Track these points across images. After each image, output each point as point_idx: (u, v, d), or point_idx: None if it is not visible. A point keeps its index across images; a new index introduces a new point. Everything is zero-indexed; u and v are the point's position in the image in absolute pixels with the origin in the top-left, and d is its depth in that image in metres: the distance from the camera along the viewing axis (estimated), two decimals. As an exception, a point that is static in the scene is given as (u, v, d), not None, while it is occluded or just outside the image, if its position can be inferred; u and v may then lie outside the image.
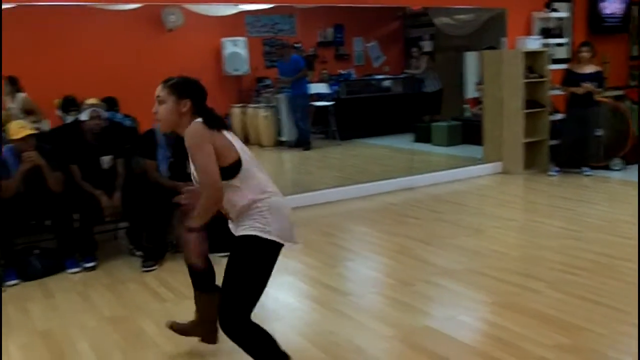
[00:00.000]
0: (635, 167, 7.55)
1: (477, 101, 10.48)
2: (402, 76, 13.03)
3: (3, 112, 6.85)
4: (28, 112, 7.50)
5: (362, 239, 5.81)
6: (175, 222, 5.32)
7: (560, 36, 9.08)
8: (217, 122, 2.89)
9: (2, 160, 4.99)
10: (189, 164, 5.37)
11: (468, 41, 11.88)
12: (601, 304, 3.90)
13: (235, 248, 2.86)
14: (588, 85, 7.50)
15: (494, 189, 7.62)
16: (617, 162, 8.08)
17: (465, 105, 11.26)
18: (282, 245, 2.92)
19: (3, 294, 4.64)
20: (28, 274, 4.87)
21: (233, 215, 2.89)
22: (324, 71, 13.06)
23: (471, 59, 11.44)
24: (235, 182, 2.80)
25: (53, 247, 5.09)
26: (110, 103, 6.20)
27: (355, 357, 3.41)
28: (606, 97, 8.16)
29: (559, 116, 8.24)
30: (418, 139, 10.78)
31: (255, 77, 12.65)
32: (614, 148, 8.08)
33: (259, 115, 11.29)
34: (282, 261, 5.05)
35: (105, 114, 5.35)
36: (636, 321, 3.55)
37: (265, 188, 2.89)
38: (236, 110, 11.85)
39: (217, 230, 2.97)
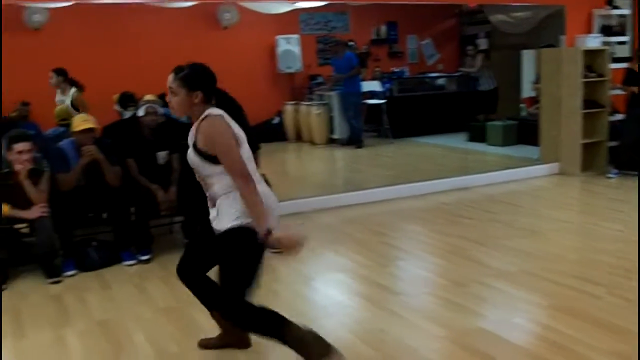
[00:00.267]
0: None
1: (533, 100, 10.31)
2: (456, 74, 12.91)
3: (60, 107, 7.01)
4: (76, 108, 7.69)
5: (414, 238, 5.77)
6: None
7: (621, 34, 8.85)
8: (231, 110, 3.05)
9: (62, 153, 5.13)
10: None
11: (525, 39, 11.68)
12: (661, 311, 3.80)
13: (223, 241, 2.97)
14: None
15: (550, 191, 7.48)
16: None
17: (521, 105, 11.09)
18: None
19: (60, 284, 4.78)
20: (86, 265, 4.99)
21: (214, 202, 3.02)
22: (377, 69, 13.03)
23: (528, 57, 11.25)
24: (217, 168, 2.93)
25: (110, 240, 5.21)
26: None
27: (406, 356, 3.39)
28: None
29: (618, 117, 8.04)
30: (472, 138, 10.66)
31: (308, 75, 12.70)
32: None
33: (312, 113, 11.33)
34: (333, 259, 5.12)
35: (162, 110, 5.43)
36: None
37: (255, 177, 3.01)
38: (289, 108, 11.91)
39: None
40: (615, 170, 7.75)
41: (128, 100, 6.54)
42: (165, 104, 5.97)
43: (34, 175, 4.88)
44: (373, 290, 4.41)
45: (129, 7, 11.03)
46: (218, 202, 2.99)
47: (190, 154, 3.00)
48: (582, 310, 3.84)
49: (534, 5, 9.00)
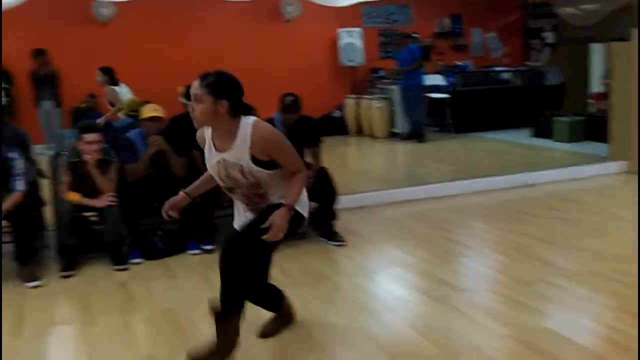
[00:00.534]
0: None
1: (602, 96, 10.04)
2: (522, 68, 12.67)
3: (129, 98, 7.15)
4: (111, 103, 7.87)
5: (477, 234, 5.69)
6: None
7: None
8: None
9: (130, 144, 5.25)
10: (304, 152, 5.46)
11: (593, 32, 11.40)
12: None
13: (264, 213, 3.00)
14: None
15: (619, 189, 7.27)
16: None
17: (589, 100, 10.82)
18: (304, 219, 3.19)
19: (127, 272, 4.90)
20: (151, 254, 5.10)
21: (256, 203, 3.12)
22: (440, 62, 12.90)
23: (597, 52, 10.97)
24: (276, 171, 3.02)
25: (175, 229, 5.30)
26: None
27: (468, 354, 3.35)
28: None
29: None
30: (537, 134, 10.44)
31: (369, 68, 12.67)
32: None
33: (373, 107, 11.29)
34: (395, 253, 5.12)
35: (226, 103, 5.48)
36: None
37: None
38: (350, 101, 11.91)
39: None
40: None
41: (193, 92, 6.64)
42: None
43: (103, 165, 5.00)
44: (435, 286, 4.38)
45: (194, 0, 11.22)
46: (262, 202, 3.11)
47: (245, 167, 2.97)
48: (652, 313, 3.73)
49: (604, -2, 8.75)
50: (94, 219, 5.27)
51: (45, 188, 5.50)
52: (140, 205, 5.13)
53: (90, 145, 4.90)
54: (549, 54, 12.07)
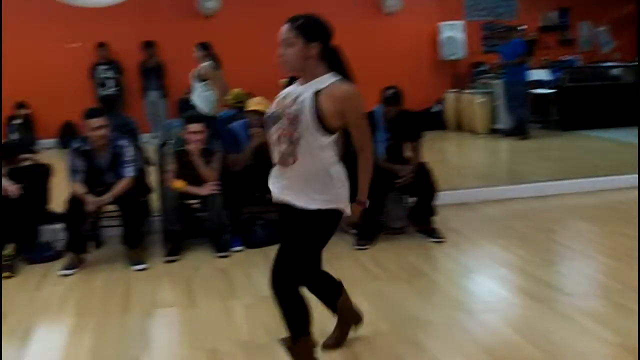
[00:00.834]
0: None
1: None
2: (634, 64, 12.04)
3: (235, 90, 7.27)
4: (203, 79, 7.95)
5: (585, 236, 5.45)
6: (389, 204, 5.38)
7: None
8: (349, 73, 2.82)
9: (234, 134, 5.35)
10: (404, 146, 5.42)
11: None
12: None
13: (306, 222, 2.83)
14: None
15: None
16: None
17: None
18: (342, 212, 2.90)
19: (228, 258, 4.99)
20: (252, 242, 5.18)
21: (298, 173, 2.79)
22: (545, 57, 12.49)
23: None
24: (331, 138, 2.78)
25: (275, 219, 5.34)
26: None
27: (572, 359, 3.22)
28: None
29: None
30: (649, 134, 9.92)
31: (471, 62, 12.43)
32: None
33: (474, 102, 11.07)
34: (496, 252, 4.99)
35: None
36: None
37: (337, 157, 2.88)
38: (450, 96, 11.73)
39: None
40: None
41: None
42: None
43: (207, 154, 5.13)
44: (539, 288, 4.23)
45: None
46: (309, 176, 2.78)
47: (306, 117, 2.70)
48: None
49: None
50: (197, 206, 5.41)
51: (152, 175, 5.68)
52: (242, 195, 5.22)
53: (195, 134, 5.03)
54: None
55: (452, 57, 12.27)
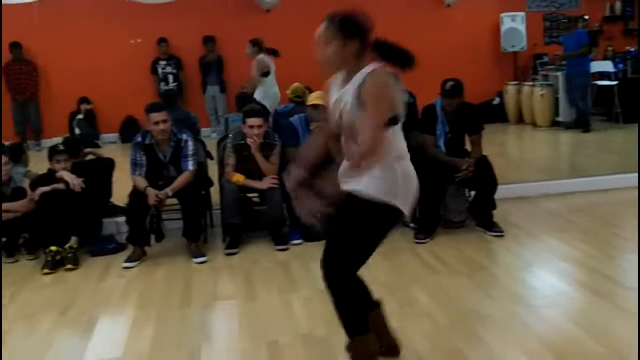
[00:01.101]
0: None
1: None
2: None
3: (295, 84, 7.32)
4: (263, 74, 8.05)
5: (649, 231, 5.33)
6: (449, 198, 5.36)
7: None
8: (401, 60, 2.69)
9: (293, 128, 5.39)
10: (464, 140, 5.38)
11: None
12: None
13: (355, 204, 2.72)
14: None
15: None
16: None
17: None
18: (402, 212, 2.76)
19: (287, 252, 5.05)
20: (311, 236, 5.20)
21: (364, 169, 2.72)
22: (609, 48, 12.17)
23: None
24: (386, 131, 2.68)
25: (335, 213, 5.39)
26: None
27: (636, 355, 3.13)
28: None
29: None
30: None
31: (532, 54, 12.22)
32: None
33: (535, 94, 10.87)
34: (557, 246, 4.92)
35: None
36: None
37: (403, 152, 2.78)
38: (511, 88, 11.54)
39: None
40: None
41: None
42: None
43: (266, 148, 5.18)
44: (600, 282, 4.15)
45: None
46: (373, 169, 2.70)
47: (354, 115, 2.67)
48: None
49: None
50: (256, 199, 5.49)
51: (212, 169, 5.77)
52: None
53: (254, 129, 5.09)
54: None
55: (513, 49, 12.08)
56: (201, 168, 5.45)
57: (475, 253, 4.83)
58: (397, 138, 2.77)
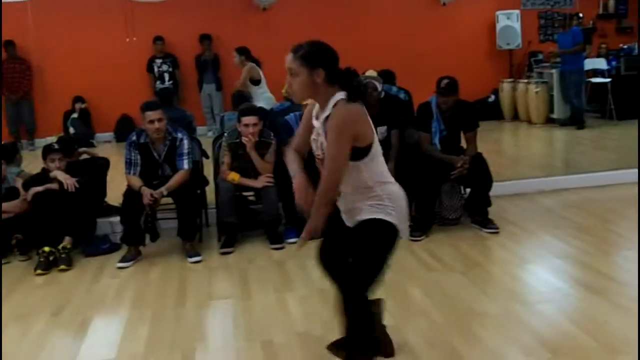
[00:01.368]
0: None
1: None
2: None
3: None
4: (253, 82, 8.11)
5: (643, 227, 5.34)
6: (444, 195, 5.36)
7: None
8: (358, 93, 2.73)
9: (289, 126, 5.40)
10: (460, 137, 5.39)
11: None
12: None
13: (357, 233, 2.80)
14: None
15: None
16: None
17: None
18: (398, 232, 2.80)
19: (283, 250, 5.05)
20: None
21: (346, 200, 2.83)
22: (603, 45, 12.20)
23: None
24: (360, 163, 2.71)
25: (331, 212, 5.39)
26: (388, 76, 6.32)
27: (630, 351, 3.15)
28: None
29: None
30: None
31: (527, 52, 12.24)
32: None
33: (530, 91, 10.88)
34: (552, 243, 4.93)
35: (381, 87, 5.49)
36: None
37: (385, 175, 2.81)
38: (506, 85, 11.56)
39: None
40: None
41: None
42: (386, 81, 6.07)
43: (261, 146, 5.18)
44: (595, 279, 4.16)
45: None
46: (356, 200, 2.79)
47: (322, 140, 2.73)
48: None
49: None
50: (252, 198, 5.48)
51: (207, 168, 5.76)
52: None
53: (249, 127, 5.08)
54: None
55: (509, 47, 12.10)
56: (196, 167, 5.45)
57: (471, 250, 4.84)
58: (376, 165, 2.78)
